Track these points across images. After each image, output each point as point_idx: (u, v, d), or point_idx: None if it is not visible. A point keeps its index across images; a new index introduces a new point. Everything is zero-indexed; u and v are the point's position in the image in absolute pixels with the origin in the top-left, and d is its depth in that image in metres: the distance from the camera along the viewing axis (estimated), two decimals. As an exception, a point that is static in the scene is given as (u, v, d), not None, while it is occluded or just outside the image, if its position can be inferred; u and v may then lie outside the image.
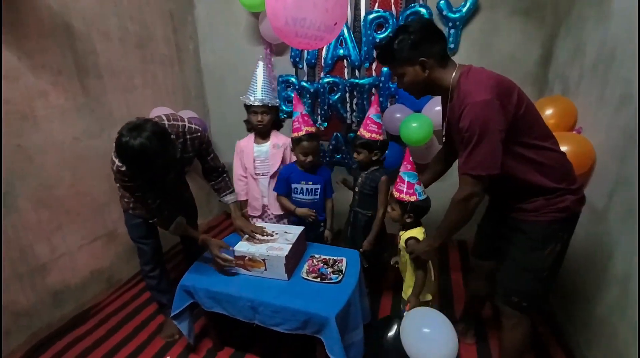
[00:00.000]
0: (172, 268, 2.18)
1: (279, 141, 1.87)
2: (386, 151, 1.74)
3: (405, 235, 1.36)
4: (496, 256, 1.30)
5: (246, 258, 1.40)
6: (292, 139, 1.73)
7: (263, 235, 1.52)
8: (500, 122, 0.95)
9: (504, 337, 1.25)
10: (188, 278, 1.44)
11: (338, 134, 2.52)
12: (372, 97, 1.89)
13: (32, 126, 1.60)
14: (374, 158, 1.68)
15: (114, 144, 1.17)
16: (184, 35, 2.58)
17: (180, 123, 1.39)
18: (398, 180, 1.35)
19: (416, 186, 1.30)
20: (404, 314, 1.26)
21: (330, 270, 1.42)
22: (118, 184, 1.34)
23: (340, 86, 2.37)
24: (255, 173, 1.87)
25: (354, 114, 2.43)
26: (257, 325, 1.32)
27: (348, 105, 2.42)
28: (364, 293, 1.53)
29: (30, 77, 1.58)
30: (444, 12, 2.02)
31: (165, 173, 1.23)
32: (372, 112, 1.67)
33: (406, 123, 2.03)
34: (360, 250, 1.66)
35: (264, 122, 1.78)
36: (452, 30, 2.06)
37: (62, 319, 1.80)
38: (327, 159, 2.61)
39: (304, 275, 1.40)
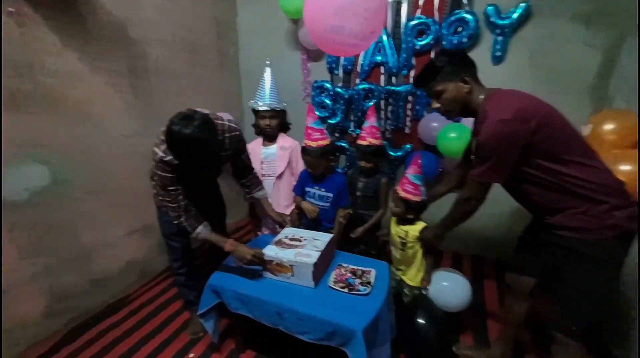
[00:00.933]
0: (200, 264, 2.23)
1: (286, 143, 1.93)
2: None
3: (413, 228, 1.53)
4: (538, 273, 1.25)
5: (273, 263, 1.39)
6: None
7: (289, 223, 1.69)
8: (514, 142, 1.03)
9: None
10: (216, 278, 1.46)
11: (371, 141, 2.47)
12: (369, 109, 1.87)
13: (91, 123, 1.74)
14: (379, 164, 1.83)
15: (158, 136, 1.25)
16: (226, 41, 2.68)
17: (220, 121, 1.43)
18: (406, 181, 1.50)
19: (421, 188, 1.48)
20: (428, 289, 1.56)
21: (358, 280, 1.37)
22: (155, 180, 1.40)
23: (375, 93, 2.33)
24: (262, 174, 1.92)
25: (388, 121, 2.38)
26: (282, 331, 1.30)
27: (383, 112, 2.38)
28: (392, 308, 1.46)
29: (91, 79, 1.71)
30: (492, 19, 1.93)
31: (210, 162, 1.30)
32: (372, 121, 1.78)
33: (444, 133, 1.94)
34: (352, 235, 1.81)
35: (272, 126, 1.87)
36: (499, 38, 1.95)
37: (98, 306, 1.90)
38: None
39: (331, 284, 1.36)
